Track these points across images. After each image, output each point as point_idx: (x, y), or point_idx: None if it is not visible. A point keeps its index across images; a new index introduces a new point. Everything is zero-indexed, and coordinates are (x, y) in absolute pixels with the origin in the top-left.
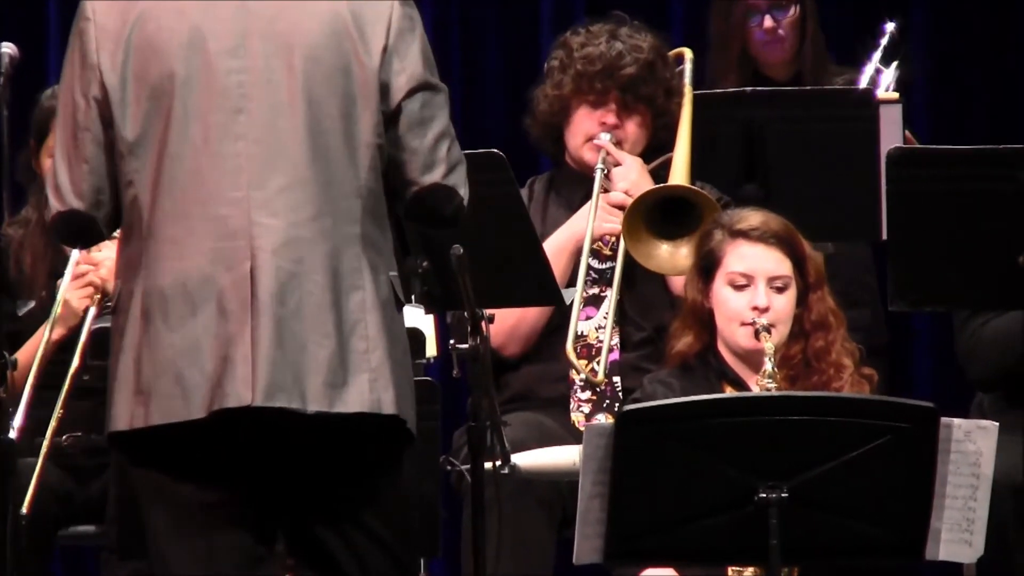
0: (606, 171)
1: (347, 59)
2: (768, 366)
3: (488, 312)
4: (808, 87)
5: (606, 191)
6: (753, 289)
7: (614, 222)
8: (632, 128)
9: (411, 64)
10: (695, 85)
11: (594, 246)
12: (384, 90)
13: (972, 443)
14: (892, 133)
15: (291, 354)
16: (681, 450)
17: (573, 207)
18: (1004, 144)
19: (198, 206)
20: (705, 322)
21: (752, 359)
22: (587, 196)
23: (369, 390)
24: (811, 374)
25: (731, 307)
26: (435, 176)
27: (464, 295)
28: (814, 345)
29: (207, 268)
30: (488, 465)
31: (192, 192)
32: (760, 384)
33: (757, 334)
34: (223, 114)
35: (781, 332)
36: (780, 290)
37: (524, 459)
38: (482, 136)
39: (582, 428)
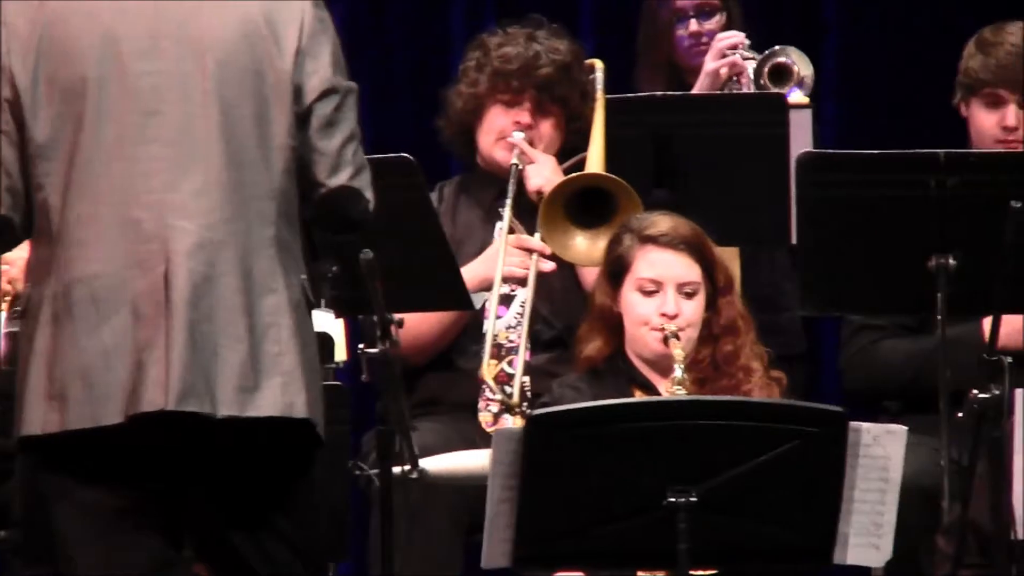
0: (520, 168)
1: (260, 61)
2: (678, 372)
3: (398, 317)
4: (718, 92)
5: (518, 191)
6: (662, 295)
7: (520, 265)
8: (546, 129)
9: (323, 66)
10: (613, 92)
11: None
12: (297, 92)
13: (880, 447)
14: (802, 138)
15: (203, 358)
16: (590, 455)
17: (484, 208)
18: (913, 148)
19: (111, 209)
20: (614, 327)
21: (661, 364)
22: (498, 197)
23: (282, 394)
24: (720, 377)
25: (640, 312)
26: (342, 178)
27: (374, 299)
28: (723, 349)
29: (121, 272)
30: (397, 469)
31: (105, 195)
32: (670, 390)
33: (666, 340)
34: (136, 116)
35: (690, 336)
36: (689, 296)
37: (433, 464)
38: (391, 139)
39: (490, 430)
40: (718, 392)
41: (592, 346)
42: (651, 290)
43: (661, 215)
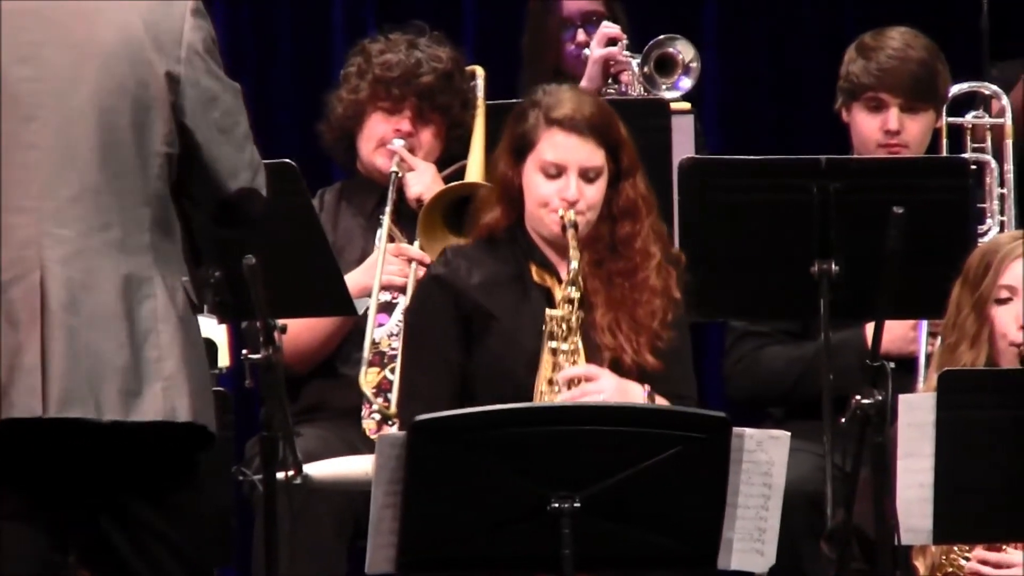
0: (400, 175)
1: (141, 70)
2: (571, 269)
3: (281, 322)
4: (595, 93)
5: (398, 198)
6: (564, 179)
7: (399, 273)
8: (427, 137)
9: (204, 73)
10: (495, 98)
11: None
12: (180, 99)
13: (764, 453)
14: (684, 143)
15: (85, 363)
16: (473, 460)
17: (364, 214)
18: (794, 155)
19: None
20: (513, 198)
21: (559, 244)
22: (379, 204)
23: (163, 398)
24: (617, 260)
25: (540, 192)
26: (242, 180)
27: (257, 305)
28: (621, 231)
29: None
30: (280, 475)
31: None
32: (564, 293)
33: (564, 228)
34: (14, 122)
35: (589, 220)
36: (591, 180)
37: (316, 469)
38: (272, 144)
39: (373, 436)
40: (614, 274)
41: (491, 215)
42: (553, 173)
43: (568, 91)
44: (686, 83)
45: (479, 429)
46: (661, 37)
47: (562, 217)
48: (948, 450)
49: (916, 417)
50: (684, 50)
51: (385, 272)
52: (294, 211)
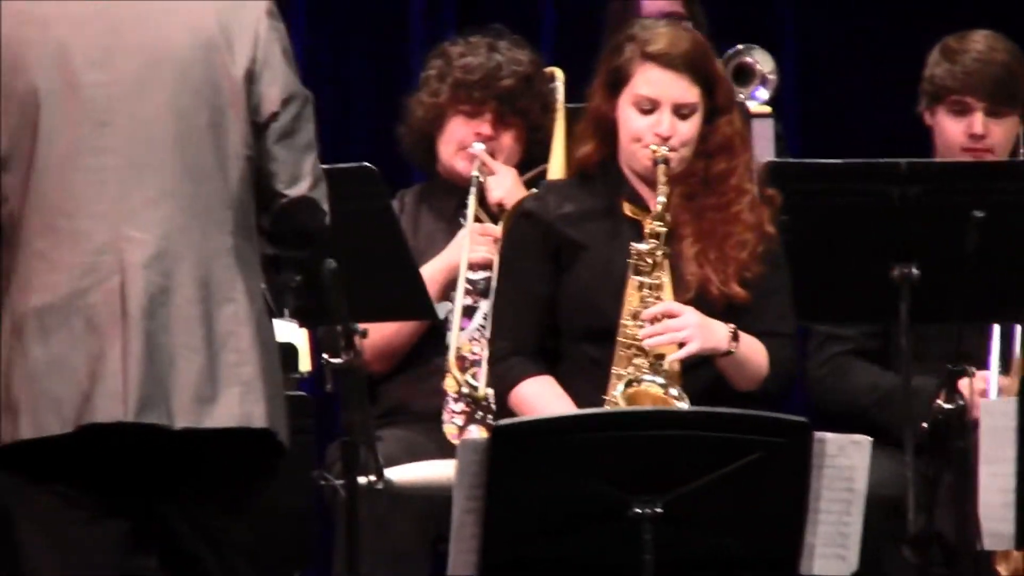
0: (481, 179)
1: (215, 70)
2: (659, 206)
3: (361, 327)
4: None
5: (480, 201)
6: (658, 114)
7: (486, 250)
8: (507, 140)
9: (279, 75)
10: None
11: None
12: (254, 102)
13: (846, 458)
14: (764, 146)
15: (160, 369)
16: (555, 465)
17: (445, 217)
18: (876, 157)
19: (66, 220)
20: (607, 132)
21: (651, 180)
22: (459, 206)
23: (239, 403)
24: (709, 195)
25: (634, 127)
26: (302, 188)
27: (337, 309)
28: (715, 167)
29: (76, 283)
30: (362, 480)
31: (59, 206)
32: (650, 227)
33: (655, 163)
34: (88, 127)
35: (683, 156)
36: (684, 116)
37: (398, 474)
38: (351, 147)
39: (455, 440)
40: (706, 209)
41: (584, 149)
42: (647, 108)
43: (665, 26)
44: (763, 94)
45: (560, 433)
46: (739, 47)
47: (654, 152)
48: None
49: (998, 422)
50: (762, 60)
51: (472, 251)
52: (374, 215)
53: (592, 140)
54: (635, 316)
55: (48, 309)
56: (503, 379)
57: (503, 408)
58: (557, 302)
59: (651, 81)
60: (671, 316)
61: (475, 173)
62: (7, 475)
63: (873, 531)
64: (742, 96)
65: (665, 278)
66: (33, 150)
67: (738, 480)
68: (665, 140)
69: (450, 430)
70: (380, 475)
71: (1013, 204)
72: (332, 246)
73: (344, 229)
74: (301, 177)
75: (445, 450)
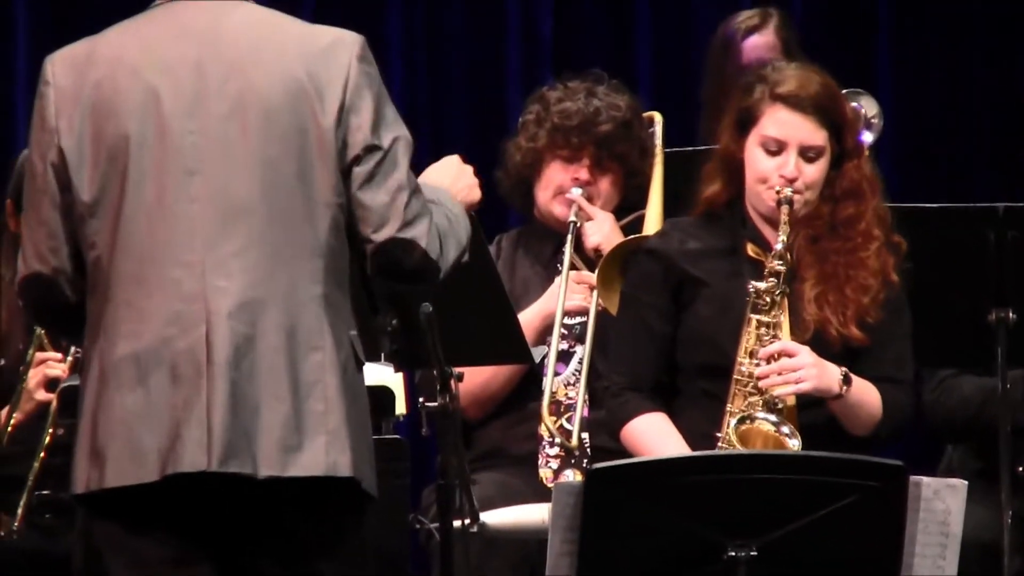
0: (579, 224)
1: (304, 119)
2: (779, 245)
3: (457, 370)
4: None
5: (577, 246)
6: (785, 156)
7: (581, 298)
8: (605, 186)
9: (366, 122)
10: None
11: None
12: (342, 148)
13: (941, 501)
14: None
15: (244, 418)
16: (650, 508)
17: (542, 262)
18: (970, 201)
19: (153, 268)
20: (734, 172)
21: (775, 221)
22: (556, 251)
23: (325, 452)
24: (835, 239)
25: (760, 168)
26: (389, 231)
27: (433, 353)
28: (843, 212)
29: (162, 331)
30: (457, 523)
31: (148, 254)
32: (770, 266)
33: (779, 203)
34: (177, 175)
35: (807, 198)
36: (811, 159)
37: (493, 517)
38: None
39: (550, 485)
40: (831, 252)
41: (712, 188)
42: (774, 149)
43: (795, 68)
44: (868, 137)
45: (655, 477)
46: (844, 91)
47: (778, 192)
48: None
49: None
50: (867, 105)
51: (568, 299)
52: (471, 259)
53: (719, 179)
54: (751, 354)
55: (136, 357)
56: (617, 413)
57: (615, 442)
58: (676, 338)
59: (779, 122)
60: (787, 355)
61: (572, 218)
62: (99, 521)
63: (968, 574)
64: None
65: (783, 318)
66: (122, 197)
67: (834, 523)
68: (791, 182)
69: (545, 474)
70: (475, 518)
71: None
72: (429, 290)
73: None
74: (388, 219)
75: (540, 494)
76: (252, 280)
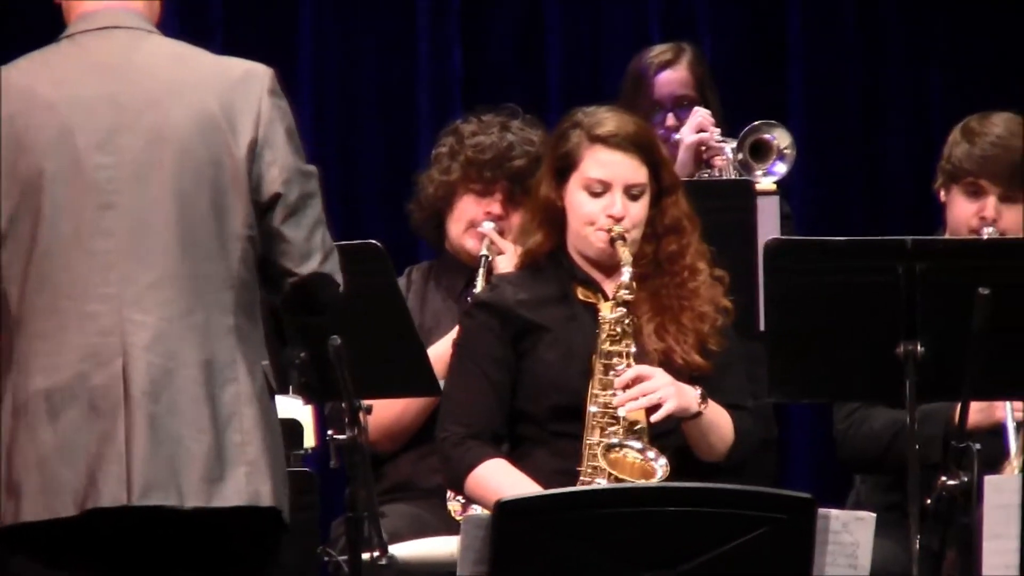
0: (490, 258)
1: (217, 151)
2: (625, 276)
3: (366, 403)
4: (687, 179)
5: (489, 280)
6: (610, 196)
7: None
8: (517, 220)
9: (282, 155)
10: None
11: None
12: (256, 181)
13: (849, 534)
14: (769, 224)
15: (166, 450)
16: (560, 541)
17: (453, 296)
18: (881, 234)
19: (69, 302)
20: (556, 222)
21: (605, 264)
22: (468, 285)
23: (246, 483)
24: (662, 275)
25: (586, 211)
26: (312, 265)
27: (342, 386)
28: (666, 248)
29: (79, 365)
30: (366, 556)
31: (64, 288)
32: (617, 296)
33: (612, 242)
34: (92, 210)
35: (634, 238)
36: (635, 197)
37: (402, 550)
38: (358, 223)
39: (459, 518)
40: (660, 289)
41: (533, 240)
42: (598, 191)
43: (609, 111)
44: (780, 168)
45: (564, 510)
46: (757, 123)
47: (609, 231)
48: None
49: (1002, 499)
50: (780, 136)
51: None
52: (380, 292)
53: (540, 230)
54: (606, 387)
55: (53, 391)
56: (460, 463)
57: (458, 494)
58: (519, 385)
59: (601, 163)
60: (644, 379)
61: (484, 252)
62: (16, 556)
63: None
64: (760, 171)
65: (633, 348)
66: (36, 232)
67: (743, 555)
68: (618, 220)
69: (454, 507)
70: (384, 551)
71: (1019, 281)
72: (338, 322)
73: (350, 306)
74: (311, 254)
75: (450, 526)
76: (169, 313)
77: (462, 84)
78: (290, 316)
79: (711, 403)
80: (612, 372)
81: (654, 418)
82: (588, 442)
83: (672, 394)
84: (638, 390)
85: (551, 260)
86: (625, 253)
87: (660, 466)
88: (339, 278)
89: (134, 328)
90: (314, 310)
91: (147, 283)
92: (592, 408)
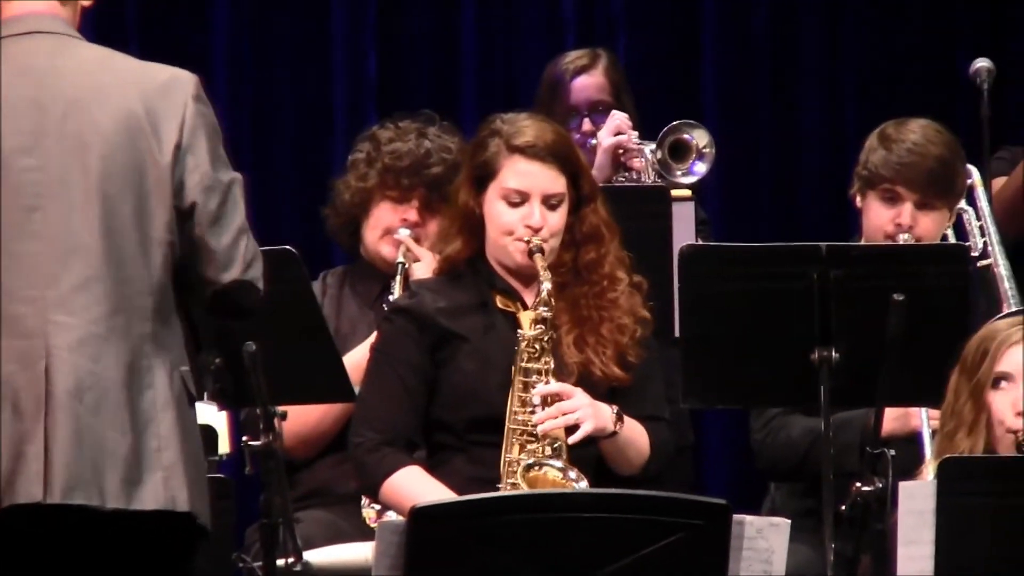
0: (406, 265)
1: (141, 156)
2: (544, 289)
3: (281, 409)
4: (602, 184)
5: (405, 286)
6: (528, 206)
7: None
8: (433, 227)
9: (204, 161)
10: None
11: None
12: (178, 187)
13: (764, 540)
14: (685, 230)
15: (89, 451)
16: (475, 547)
17: (368, 302)
18: (795, 240)
19: None
20: (475, 229)
21: (523, 273)
22: (383, 292)
23: (163, 488)
24: (582, 284)
25: (504, 221)
26: (234, 273)
27: (257, 392)
28: (585, 257)
29: (3, 367)
30: (280, 562)
31: None
32: (536, 313)
33: (531, 254)
34: (17, 213)
35: (553, 247)
36: (554, 207)
37: (317, 556)
38: (273, 228)
39: (374, 525)
40: (579, 297)
41: (452, 247)
42: (517, 201)
43: (528, 119)
44: (701, 168)
45: (480, 516)
46: (675, 123)
47: (528, 243)
48: (948, 538)
49: (916, 505)
50: (698, 136)
51: None
52: (295, 298)
53: (459, 238)
54: (524, 403)
55: None
56: (375, 469)
57: (373, 500)
58: (437, 394)
59: (519, 173)
60: (562, 398)
61: (400, 259)
62: None
63: None
64: (680, 172)
65: (551, 364)
66: None
67: (659, 561)
68: (536, 231)
69: (368, 514)
70: (299, 557)
71: (933, 288)
72: (253, 328)
73: (265, 311)
74: (232, 261)
75: (365, 533)
76: (93, 316)
77: (377, 90)
78: (208, 322)
79: (627, 420)
80: (529, 388)
81: (572, 439)
82: (508, 458)
83: (590, 415)
84: (556, 409)
85: (470, 267)
86: (543, 265)
87: (581, 486)
88: (261, 284)
89: (58, 330)
90: (237, 316)
91: (71, 286)
92: (511, 425)
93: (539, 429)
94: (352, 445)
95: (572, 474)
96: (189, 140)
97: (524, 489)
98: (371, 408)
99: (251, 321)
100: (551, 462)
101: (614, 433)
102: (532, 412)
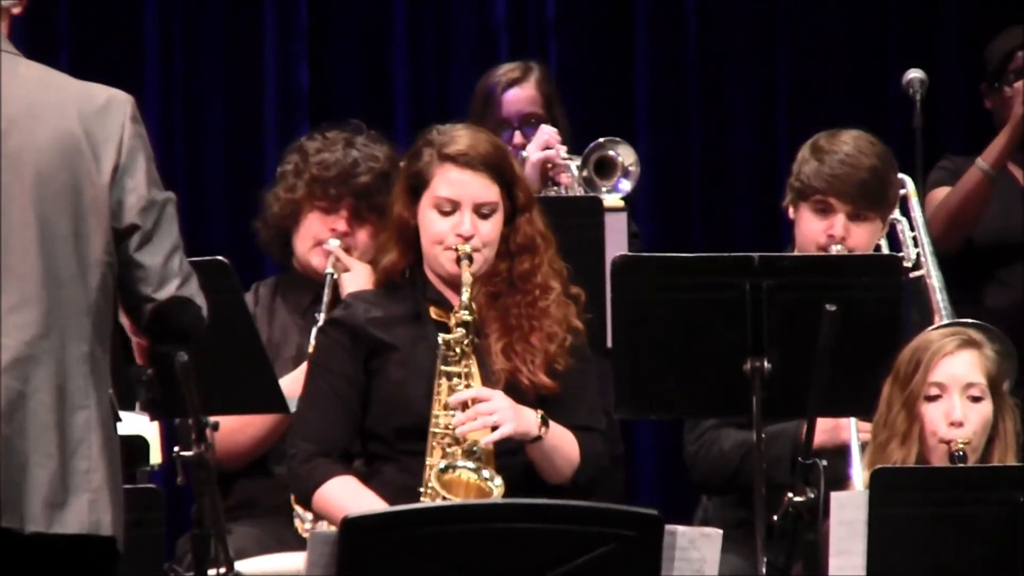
0: (336, 276)
1: (78, 177)
2: (464, 297)
3: (213, 419)
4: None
5: (335, 297)
6: (459, 215)
7: None
8: (362, 237)
9: (140, 183)
10: None
11: None
12: (116, 208)
13: (696, 550)
14: (617, 240)
15: (12, 473)
16: (406, 557)
17: (300, 311)
18: (727, 251)
19: None
20: (410, 240)
21: (456, 283)
22: (315, 301)
23: (88, 511)
24: (515, 293)
25: (435, 230)
26: (170, 289)
27: (189, 402)
28: (519, 267)
29: None
30: (212, 572)
31: None
32: (456, 316)
33: (459, 261)
34: None
35: (486, 256)
36: (486, 216)
37: (248, 567)
38: (205, 239)
39: (306, 535)
40: (512, 307)
41: (388, 258)
42: (448, 210)
43: (463, 129)
44: (625, 185)
45: (410, 526)
46: (601, 140)
47: (456, 250)
48: (880, 548)
49: (848, 515)
50: (624, 153)
51: None
52: (227, 308)
53: (395, 248)
54: (447, 407)
55: None
56: (308, 480)
57: (307, 510)
58: (369, 404)
59: (450, 182)
60: (481, 401)
61: (329, 269)
62: None
63: None
64: (605, 188)
65: (474, 368)
66: None
67: (590, 572)
68: (467, 239)
69: (301, 524)
70: (231, 567)
71: (865, 298)
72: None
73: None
74: (168, 279)
75: (297, 543)
76: (26, 337)
77: (308, 100)
78: (155, 346)
79: (554, 426)
80: (451, 393)
81: (486, 440)
82: (429, 463)
83: (509, 417)
84: (474, 411)
85: (407, 278)
86: (466, 273)
87: (496, 486)
88: (200, 301)
89: None
90: (176, 335)
91: (7, 306)
92: (434, 430)
93: (458, 432)
94: (287, 456)
95: (486, 473)
96: (127, 162)
97: (440, 492)
98: (306, 420)
99: (188, 348)
100: (464, 463)
101: (539, 438)
102: (453, 416)
